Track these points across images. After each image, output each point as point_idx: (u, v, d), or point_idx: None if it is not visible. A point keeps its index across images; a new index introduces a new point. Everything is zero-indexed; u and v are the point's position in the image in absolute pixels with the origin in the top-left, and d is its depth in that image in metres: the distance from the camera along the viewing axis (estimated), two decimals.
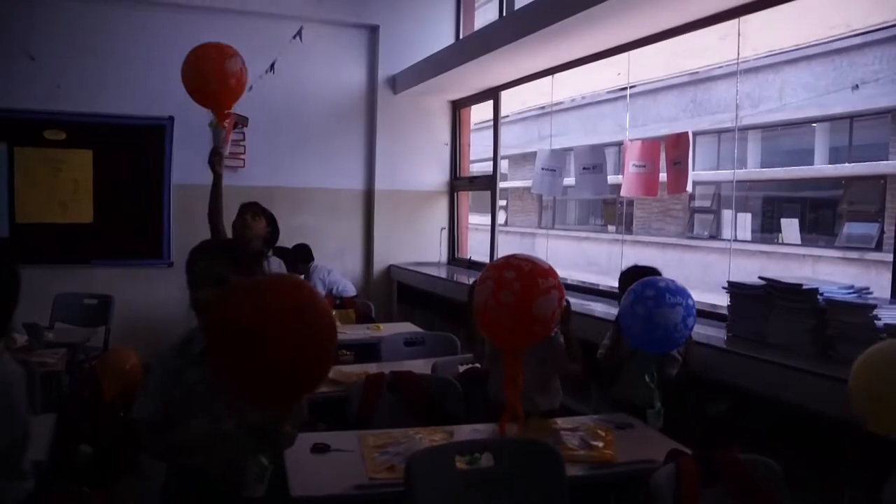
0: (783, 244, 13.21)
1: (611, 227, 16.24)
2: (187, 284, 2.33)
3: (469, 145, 7.54)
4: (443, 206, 7.51)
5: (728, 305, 3.62)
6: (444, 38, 7.19)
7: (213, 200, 3.82)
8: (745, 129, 13.49)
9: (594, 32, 4.61)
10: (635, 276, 3.29)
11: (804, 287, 3.16)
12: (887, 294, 3.28)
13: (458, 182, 7.42)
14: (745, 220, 13.82)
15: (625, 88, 5.82)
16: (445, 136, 7.50)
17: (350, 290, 6.33)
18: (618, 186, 4.89)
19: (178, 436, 2.17)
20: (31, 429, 2.15)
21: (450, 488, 2.20)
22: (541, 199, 17.16)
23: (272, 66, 6.76)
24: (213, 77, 3.77)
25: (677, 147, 4.30)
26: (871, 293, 3.08)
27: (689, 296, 3.07)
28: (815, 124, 13.50)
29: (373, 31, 7.22)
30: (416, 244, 7.37)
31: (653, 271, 3.39)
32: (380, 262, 7.33)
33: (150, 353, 5.83)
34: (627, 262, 3.76)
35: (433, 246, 7.37)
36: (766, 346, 3.32)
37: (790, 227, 13.40)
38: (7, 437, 2.04)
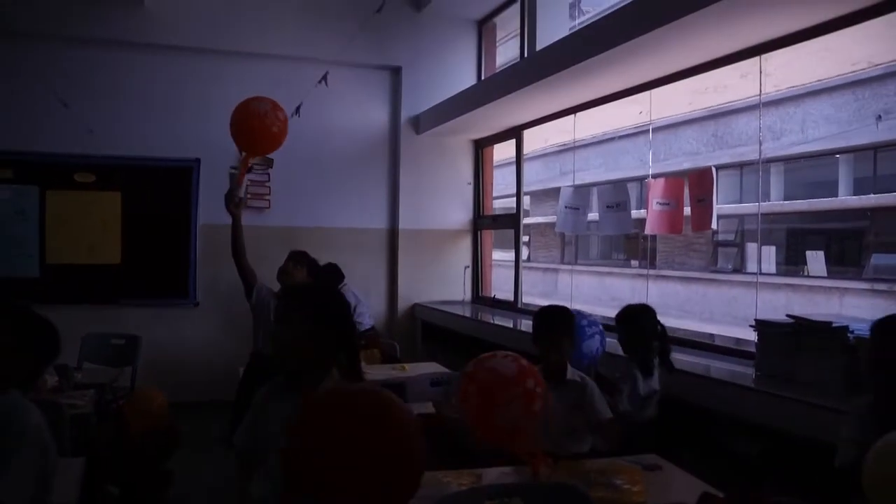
0: (809, 276, 13.08)
1: (634, 262, 16.17)
2: None
3: (492, 183, 7.58)
4: (466, 244, 7.54)
5: (756, 343, 3.59)
6: (466, 78, 7.28)
7: (234, 239, 4.14)
8: (767, 161, 13.44)
9: (616, 72, 4.65)
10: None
11: (834, 325, 3.13)
12: None
13: (482, 220, 7.45)
14: (770, 253, 13.71)
15: (647, 125, 5.83)
16: (468, 175, 7.55)
17: (367, 322, 6.34)
18: (641, 221, 4.89)
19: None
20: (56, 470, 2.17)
21: None
22: (563, 235, 17.15)
23: (297, 109, 6.84)
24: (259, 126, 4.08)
25: (701, 184, 4.30)
26: None
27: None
28: (838, 156, 13.43)
29: (395, 72, 7.33)
30: (440, 283, 7.38)
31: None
32: (404, 300, 7.34)
33: (176, 393, 5.91)
34: (652, 297, 3.80)
35: (457, 284, 7.38)
36: (796, 384, 3.29)
37: (815, 260, 13.27)
38: (38, 477, 2.07)
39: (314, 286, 2.34)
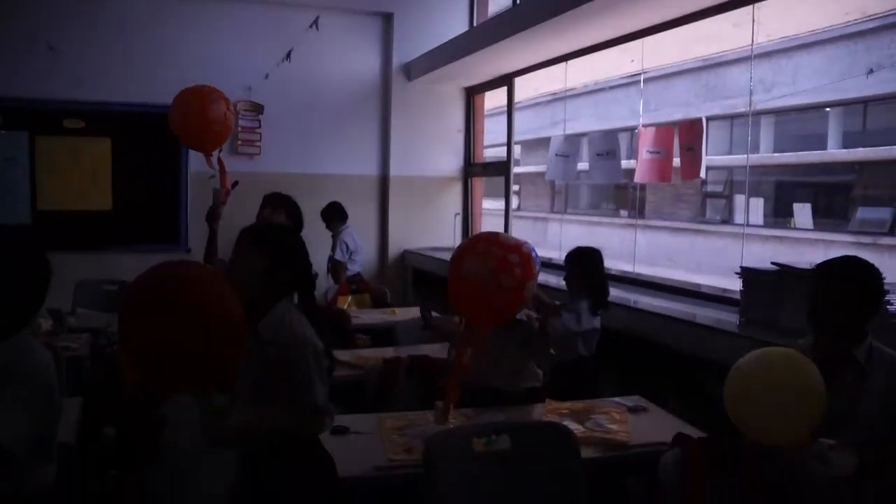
0: (795, 229, 13.17)
1: (623, 212, 16.23)
2: None
3: (483, 131, 7.57)
4: (457, 191, 7.55)
5: (741, 291, 3.65)
6: (457, 25, 7.20)
7: (207, 247, 3.89)
8: (758, 113, 13.42)
9: (608, 19, 4.62)
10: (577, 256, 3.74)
11: (810, 273, 3.18)
12: None
13: (472, 168, 7.46)
14: (758, 204, 13.78)
15: (638, 74, 5.82)
16: (459, 123, 7.53)
17: (356, 268, 6.40)
18: (631, 171, 4.92)
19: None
20: (62, 411, 2.22)
21: (467, 469, 2.26)
22: (553, 184, 17.15)
23: (288, 54, 6.80)
24: (197, 124, 3.83)
25: (691, 133, 4.33)
26: (883, 278, 3.11)
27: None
28: (828, 109, 13.42)
29: (387, 18, 7.24)
30: (431, 230, 7.41)
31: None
32: (395, 247, 7.38)
33: None
34: (640, 247, 3.84)
35: (447, 231, 7.42)
36: (779, 330, 3.35)
37: (802, 212, 13.36)
38: (45, 419, 2.11)
39: (272, 225, 2.39)
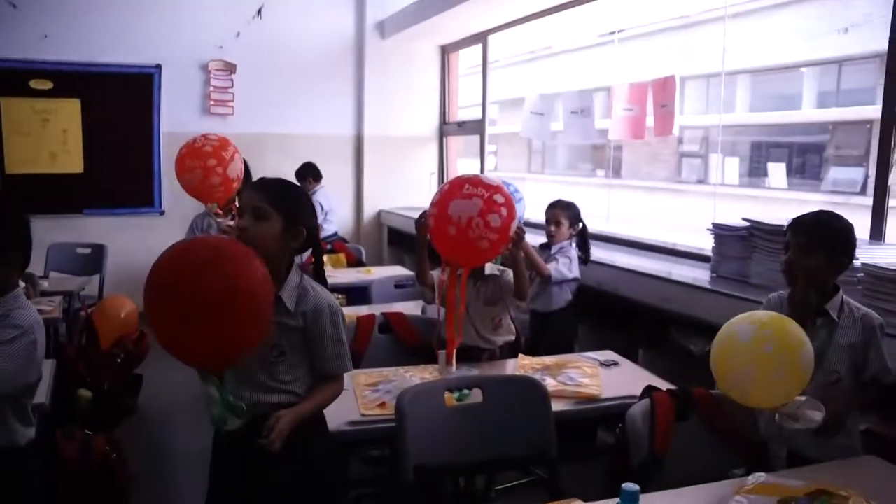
0: (770, 188, 13.25)
1: (600, 172, 16.23)
2: None
3: (458, 90, 7.52)
4: (432, 151, 7.53)
5: (712, 247, 3.69)
6: None
7: None
8: (733, 73, 13.41)
9: None
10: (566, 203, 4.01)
11: (785, 228, 3.22)
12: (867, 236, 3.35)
13: (447, 127, 7.43)
14: (733, 164, 13.83)
15: (613, 33, 5.79)
16: (435, 81, 7.48)
17: (332, 228, 6.41)
18: (607, 132, 4.93)
19: None
20: (41, 377, 2.24)
21: (439, 423, 2.28)
22: (530, 143, 17.11)
23: (259, 11, 6.70)
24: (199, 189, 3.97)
25: (664, 90, 4.35)
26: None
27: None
28: (803, 69, 13.43)
29: None
30: (406, 189, 7.40)
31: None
32: (370, 206, 7.37)
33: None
34: (616, 206, 3.89)
35: (423, 191, 7.41)
36: (748, 286, 3.40)
37: (777, 172, 13.43)
38: (29, 378, 2.13)
39: (287, 183, 2.23)
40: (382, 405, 2.46)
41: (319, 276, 2.20)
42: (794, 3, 12.45)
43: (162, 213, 6.66)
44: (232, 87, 6.79)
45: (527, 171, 17.65)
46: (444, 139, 7.47)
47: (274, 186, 2.10)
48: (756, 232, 3.40)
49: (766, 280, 3.27)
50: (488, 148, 6.91)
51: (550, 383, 2.66)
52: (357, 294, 4.48)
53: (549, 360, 3.04)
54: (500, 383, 2.45)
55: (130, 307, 4.58)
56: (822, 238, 2.23)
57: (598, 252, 4.25)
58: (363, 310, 3.80)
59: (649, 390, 2.27)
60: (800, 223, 2.30)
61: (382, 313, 3.28)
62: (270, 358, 2.04)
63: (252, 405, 1.95)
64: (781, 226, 3.25)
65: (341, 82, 7.26)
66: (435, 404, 2.30)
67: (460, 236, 2.68)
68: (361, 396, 2.54)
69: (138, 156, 6.59)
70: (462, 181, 2.76)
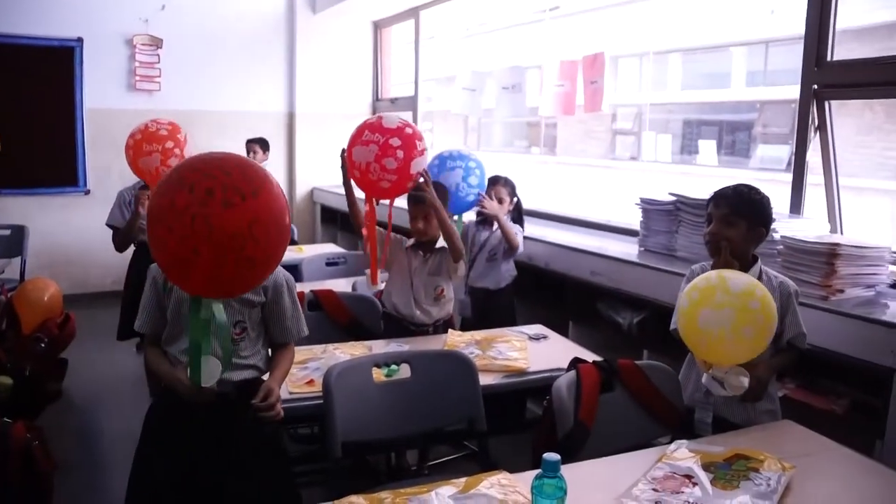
0: (701, 165, 13.52)
1: (535, 149, 16.33)
2: None
3: (391, 67, 7.46)
4: None
5: (640, 221, 3.74)
6: None
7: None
8: (664, 52, 13.60)
9: None
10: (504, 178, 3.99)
11: (707, 201, 3.28)
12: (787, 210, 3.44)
13: (380, 103, 7.36)
14: (666, 141, 14.06)
15: (546, 11, 5.81)
16: (368, 57, 7.40)
17: None
18: (538, 109, 4.95)
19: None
20: None
21: (368, 399, 2.27)
22: (466, 120, 17.11)
23: None
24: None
25: (594, 67, 4.40)
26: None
27: (470, 159, 3.79)
28: (732, 48, 13.69)
29: None
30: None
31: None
32: (302, 184, 7.28)
33: (70, 284, 5.75)
34: (553, 182, 3.92)
35: None
36: (675, 259, 3.47)
37: (707, 149, 13.70)
38: None
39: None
40: (310, 382, 2.44)
41: None
42: None
43: (87, 192, 6.46)
44: (158, 62, 6.59)
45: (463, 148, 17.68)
46: None
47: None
48: (682, 206, 3.46)
49: (692, 253, 3.33)
50: (424, 125, 6.87)
51: (479, 357, 2.67)
52: (288, 272, 4.41)
53: (478, 334, 3.05)
54: (428, 358, 2.45)
55: (54, 289, 4.43)
56: (743, 210, 2.30)
57: (530, 228, 4.27)
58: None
59: (576, 362, 2.29)
60: (721, 196, 2.36)
61: (312, 290, 3.24)
62: (233, 335, 2.06)
63: (217, 383, 1.95)
64: (706, 200, 3.33)
65: (272, 58, 7.12)
66: (363, 380, 2.29)
67: (363, 179, 3.00)
68: (290, 374, 2.51)
69: (60, 133, 6.36)
70: (363, 127, 3.02)
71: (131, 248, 4.23)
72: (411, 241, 3.21)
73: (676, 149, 14.44)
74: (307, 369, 2.57)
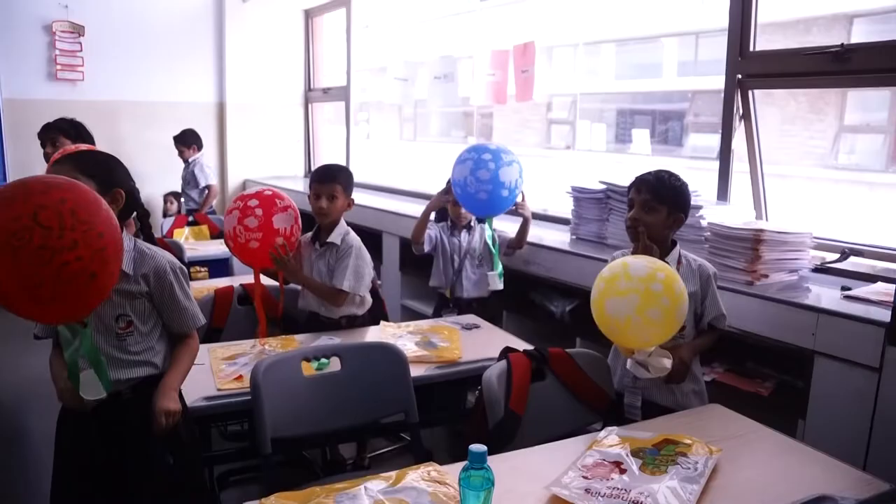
0: (634, 154, 13.71)
1: (471, 140, 16.36)
2: None
3: (323, 56, 7.36)
4: (299, 118, 7.36)
5: (572, 210, 3.77)
6: None
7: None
8: (597, 42, 13.75)
9: None
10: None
11: (628, 187, 3.31)
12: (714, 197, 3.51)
13: (312, 93, 7.27)
14: (600, 130, 14.23)
15: (478, 1, 5.81)
16: (299, 46, 7.29)
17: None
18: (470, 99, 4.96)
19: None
20: None
21: (298, 393, 2.23)
22: (400, 111, 17.05)
23: None
24: None
25: (525, 56, 4.41)
26: (699, 195, 3.28)
27: (486, 150, 3.42)
28: (664, 39, 13.91)
29: None
30: (272, 157, 7.22)
31: None
32: (235, 176, 7.13)
33: None
34: None
35: (289, 159, 7.25)
36: (605, 246, 3.50)
37: (641, 138, 13.91)
38: None
39: (90, 152, 2.15)
40: (239, 378, 2.39)
41: (149, 238, 2.17)
42: None
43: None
44: (81, 50, 6.36)
45: (399, 139, 17.60)
46: (310, 106, 7.31)
47: (87, 158, 2.07)
48: (611, 194, 3.49)
49: (621, 241, 3.35)
50: (360, 116, 6.80)
51: (410, 349, 2.66)
52: (218, 266, 4.34)
53: (411, 325, 3.03)
54: (358, 350, 2.42)
55: None
56: (663, 196, 2.34)
57: None
58: (224, 282, 3.68)
59: (506, 351, 2.29)
60: (642, 181, 2.39)
61: (241, 284, 3.18)
62: (117, 329, 1.98)
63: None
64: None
65: (201, 46, 6.94)
66: (292, 375, 2.25)
67: (237, 247, 3.01)
68: (218, 370, 2.46)
69: None
70: (274, 197, 3.04)
71: None
72: (310, 233, 3.17)
73: (611, 138, 14.62)
74: (236, 364, 2.52)
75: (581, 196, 3.68)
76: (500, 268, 3.51)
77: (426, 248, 3.59)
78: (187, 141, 6.17)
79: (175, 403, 2.00)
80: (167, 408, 1.96)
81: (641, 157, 13.38)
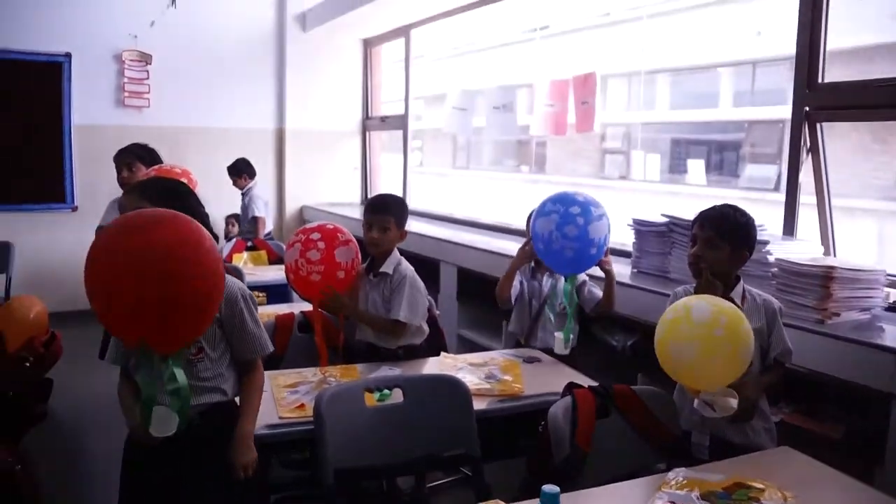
0: (689, 185, 13.55)
1: (524, 168, 16.34)
2: None
3: (381, 85, 7.45)
4: (356, 145, 7.45)
5: (633, 242, 3.72)
6: None
7: None
8: (653, 72, 13.68)
9: None
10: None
11: (692, 222, 3.26)
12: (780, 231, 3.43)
13: (370, 121, 7.35)
14: (654, 160, 14.11)
15: (536, 30, 5.82)
16: (357, 75, 7.39)
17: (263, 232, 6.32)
18: (529, 128, 4.95)
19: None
20: None
21: (360, 424, 2.23)
22: (455, 139, 17.14)
23: (173, 0, 6.50)
24: None
25: (585, 86, 4.39)
26: (765, 229, 3.22)
27: (574, 202, 3.01)
28: (720, 69, 13.78)
29: None
30: (329, 184, 7.31)
31: None
32: (292, 202, 7.24)
33: (57, 302, 5.64)
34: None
35: (346, 186, 7.32)
36: (668, 281, 3.44)
37: (696, 168, 13.75)
38: None
39: (161, 180, 2.22)
40: (301, 407, 2.39)
41: None
42: (710, 4, 12.76)
43: (74, 209, 6.39)
44: (147, 78, 6.56)
45: (452, 167, 17.67)
46: (367, 134, 7.39)
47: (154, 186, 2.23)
48: (674, 227, 3.44)
49: (685, 275, 3.28)
50: (414, 143, 6.87)
51: (472, 381, 2.63)
52: (279, 293, 4.37)
53: (471, 357, 3.01)
54: (420, 382, 2.41)
55: (40, 307, 4.32)
56: (727, 232, 2.30)
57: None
58: (283, 308, 3.70)
59: (570, 387, 2.26)
60: (705, 218, 2.36)
61: (302, 312, 3.19)
62: (189, 356, 2.00)
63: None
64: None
65: (262, 75, 7.10)
66: (354, 405, 2.25)
67: (298, 280, 3.00)
68: (280, 399, 2.47)
69: (48, 149, 6.31)
70: (336, 231, 3.02)
71: None
72: (365, 264, 3.14)
73: (665, 168, 14.48)
74: (297, 393, 2.52)
75: (643, 229, 3.63)
76: (569, 330, 3.06)
77: (513, 301, 3.33)
78: (239, 170, 6.26)
79: (253, 453, 2.03)
80: (245, 462, 2.00)
81: (696, 188, 13.21)
